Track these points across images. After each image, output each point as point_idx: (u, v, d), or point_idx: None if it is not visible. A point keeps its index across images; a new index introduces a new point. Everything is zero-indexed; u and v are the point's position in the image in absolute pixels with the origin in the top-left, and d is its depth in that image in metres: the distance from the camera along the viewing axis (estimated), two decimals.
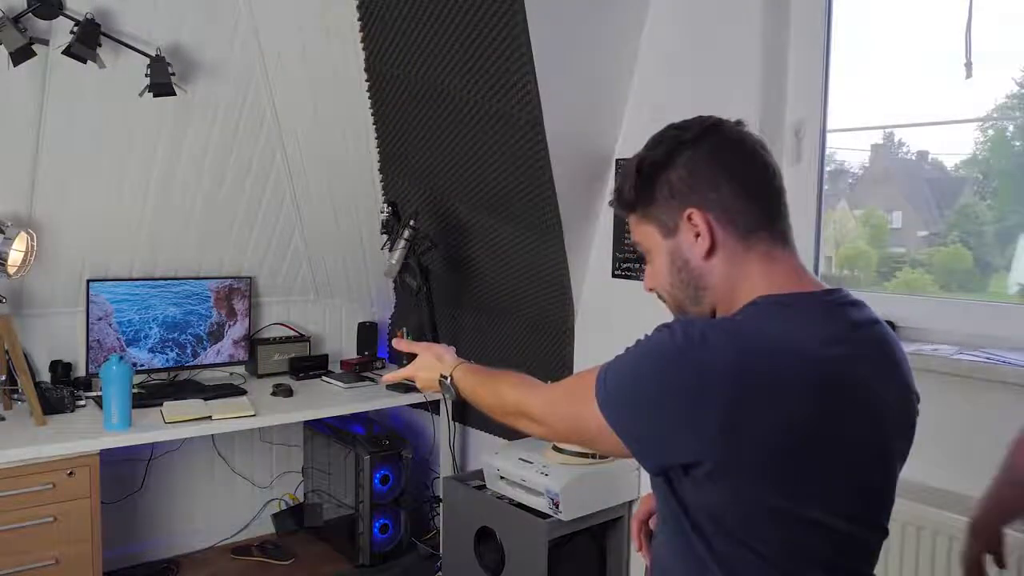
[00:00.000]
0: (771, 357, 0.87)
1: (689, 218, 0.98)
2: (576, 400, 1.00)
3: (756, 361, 0.87)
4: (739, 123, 1.02)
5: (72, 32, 2.23)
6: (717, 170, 0.97)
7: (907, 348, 1.04)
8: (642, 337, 0.95)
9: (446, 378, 1.27)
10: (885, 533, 1.00)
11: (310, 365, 3.27)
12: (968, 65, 1.95)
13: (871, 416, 0.93)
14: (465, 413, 3.19)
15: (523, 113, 2.42)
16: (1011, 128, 2.13)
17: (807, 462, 0.88)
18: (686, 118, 1.04)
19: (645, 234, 1.03)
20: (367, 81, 2.91)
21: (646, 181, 1.00)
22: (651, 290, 1.07)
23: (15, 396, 2.58)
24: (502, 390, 1.17)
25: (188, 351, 3.05)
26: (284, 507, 3.48)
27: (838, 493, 0.91)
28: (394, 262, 2.86)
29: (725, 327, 0.93)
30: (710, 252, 0.97)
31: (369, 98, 2.96)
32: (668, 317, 1.04)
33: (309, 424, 3.35)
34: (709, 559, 0.93)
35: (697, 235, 0.97)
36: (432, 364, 1.31)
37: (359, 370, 3.25)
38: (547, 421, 1.07)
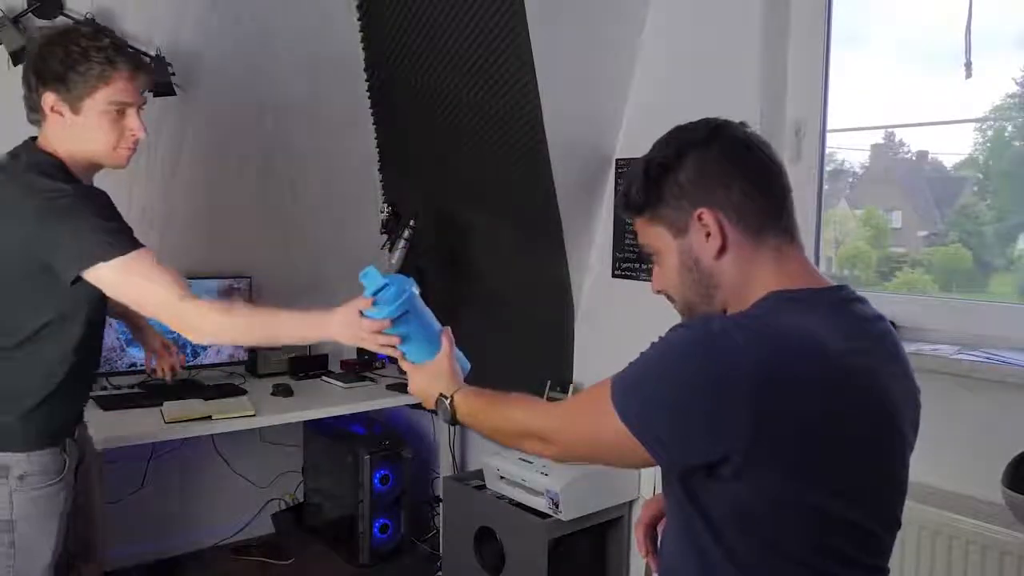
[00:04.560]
0: (792, 351, 0.88)
1: (699, 218, 0.98)
2: (590, 413, 0.98)
3: (780, 355, 0.87)
4: (743, 124, 1.03)
5: None
6: (726, 170, 0.98)
7: (907, 348, 1.06)
8: (644, 337, 0.95)
9: (446, 398, 1.24)
10: (899, 526, 1.01)
11: (310, 365, 3.26)
12: (968, 65, 1.95)
13: (885, 409, 0.94)
14: None
15: (523, 113, 2.42)
16: (1010, 128, 2.14)
17: (831, 455, 0.89)
18: (686, 119, 1.05)
19: (654, 235, 1.04)
20: (367, 81, 2.91)
21: (655, 182, 1.01)
22: (659, 291, 1.07)
23: None
24: (508, 410, 1.15)
25: (188, 351, 3.05)
26: (284, 507, 3.48)
27: (859, 486, 0.92)
28: (394, 262, 2.86)
29: (744, 322, 0.93)
30: (721, 251, 0.98)
31: (369, 98, 2.96)
32: (670, 317, 1.04)
33: (309, 424, 3.35)
34: (726, 560, 0.92)
35: (708, 235, 0.98)
36: (431, 382, 1.28)
37: (359, 370, 3.25)
38: (558, 439, 1.04)
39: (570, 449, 1.05)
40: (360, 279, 1.27)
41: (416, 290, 1.30)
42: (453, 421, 1.23)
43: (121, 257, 1.48)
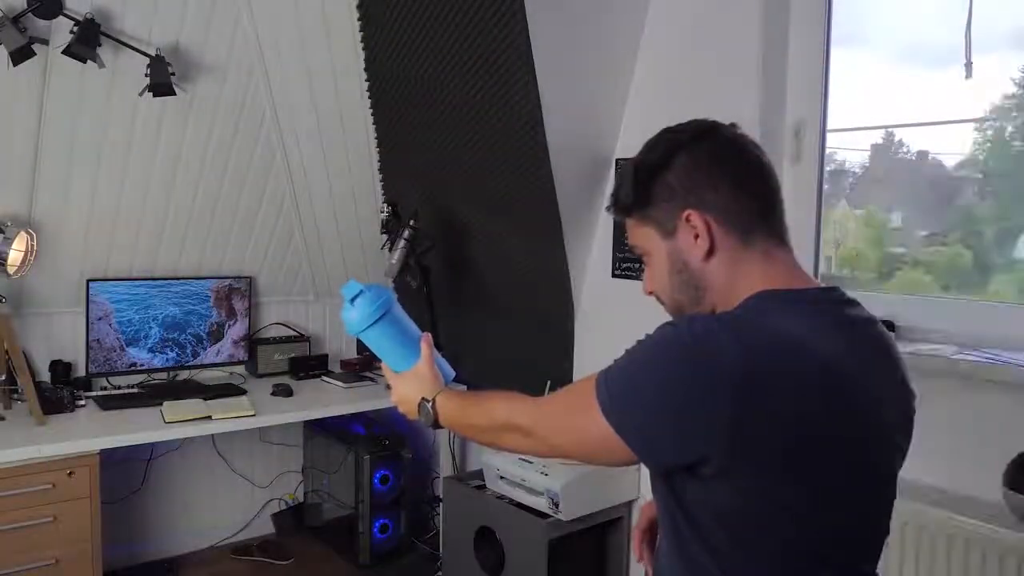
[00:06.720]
0: (775, 351, 0.87)
1: (687, 219, 0.98)
2: (574, 408, 0.97)
3: (762, 354, 0.86)
4: (733, 126, 1.03)
5: (72, 32, 2.23)
6: (715, 171, 0.98)
7: (907, 348, 1.05)
8: (642, 337, 0.94)
9: (428, 402, 1.21)
10: (887, 532, 0.99)
11: (310, 365, 3.26)
12: (968, 65, 1.95)
13: (873, 413, 0.93)
14: None
15: (523, 113, 2.42)
16: (1010, 128, 2.13)
17: (814, 458, 0.88)
18: (687, 118, 1.04)
19: (643, 236, 1.03)
20: (367, 81, 2.90)
21: (644, 184, 1.00)
22: (651, 293, 1.07)
23: (15, 396, 2.58)
24: (489, 406, 1.13)
25: (188, 351, 3.05)
26: (284, 507, 3.48)
27: (843, 490, 0.91)
28: (394, 262, 2.86)
29: (727, 321, 0.92)
30: (709, 253, 0.97)
31: (369, 98, 2.96)
32: (668, 317, 1.04)
33: (309, 424, 3.35)
34: (711, 562, 0.92)
35: (696, 236, 0.97)
36: (413, 388, 1.25)
37: (359, 370, 3.25)
38: (541, 433, 1.03)
39: (551, 443, 1.03)
40: (340, 291, 1.27)
41: (394, 297, 1.29)
42: (436, 424, 1.21)
43: None
